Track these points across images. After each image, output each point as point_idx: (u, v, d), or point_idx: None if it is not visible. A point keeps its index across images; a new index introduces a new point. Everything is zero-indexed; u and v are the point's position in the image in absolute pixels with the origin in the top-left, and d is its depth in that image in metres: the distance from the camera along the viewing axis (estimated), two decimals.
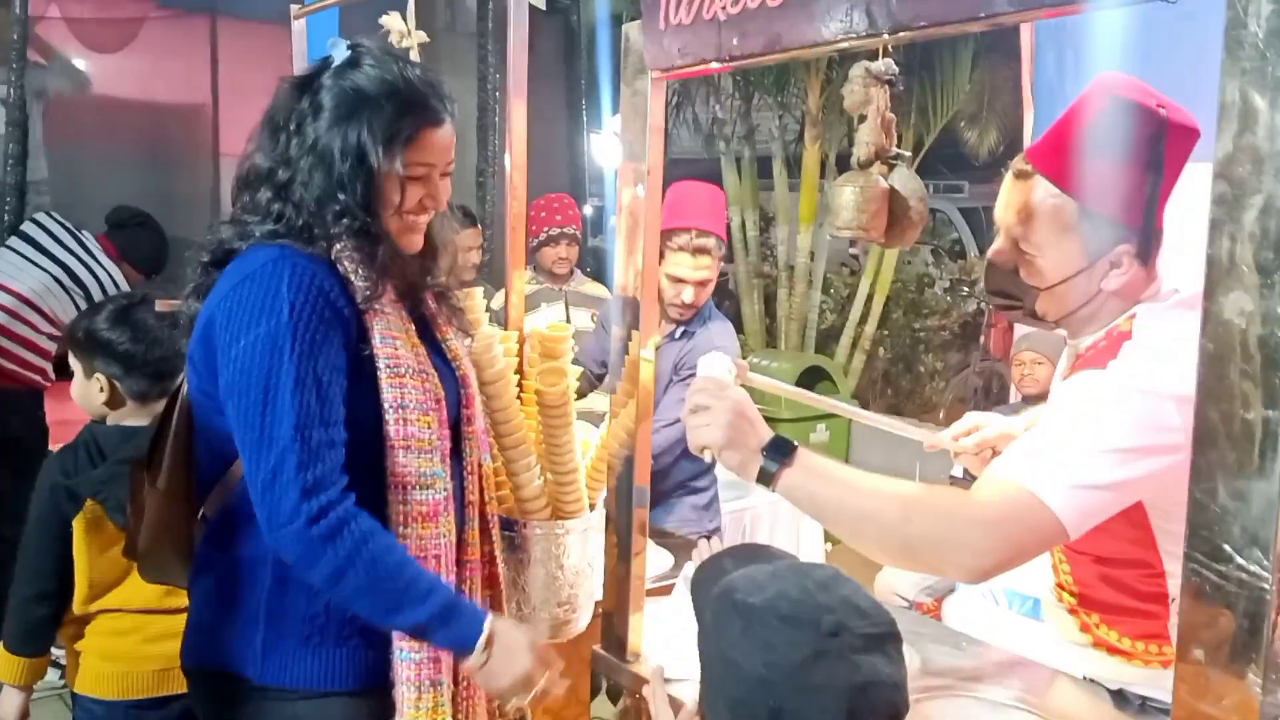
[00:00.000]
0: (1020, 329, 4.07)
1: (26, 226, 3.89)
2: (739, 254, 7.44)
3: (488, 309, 1.92)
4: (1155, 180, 1.49)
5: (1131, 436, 1.37)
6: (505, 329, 2.11)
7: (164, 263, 4.02)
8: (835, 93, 6.39)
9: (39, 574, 2.06)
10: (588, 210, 6.62)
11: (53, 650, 2.16)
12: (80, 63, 5.78)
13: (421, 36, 2.24)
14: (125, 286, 3.80)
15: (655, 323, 1.82)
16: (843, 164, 5.81)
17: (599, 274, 4.81)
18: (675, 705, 1.41)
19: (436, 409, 1.56)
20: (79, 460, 2.09)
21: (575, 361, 1.91)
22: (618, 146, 1.83)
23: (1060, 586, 1.75)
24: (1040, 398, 3.37)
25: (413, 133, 1.53)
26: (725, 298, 7.72)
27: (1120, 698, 1.67)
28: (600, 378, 3.15)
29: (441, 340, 1.69)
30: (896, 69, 1.41)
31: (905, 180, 1.47)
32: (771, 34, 1.47)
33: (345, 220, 1.51)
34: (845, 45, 1.41)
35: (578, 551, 1.91)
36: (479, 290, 1.91)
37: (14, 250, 3.77)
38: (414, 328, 1.61)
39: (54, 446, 2.79)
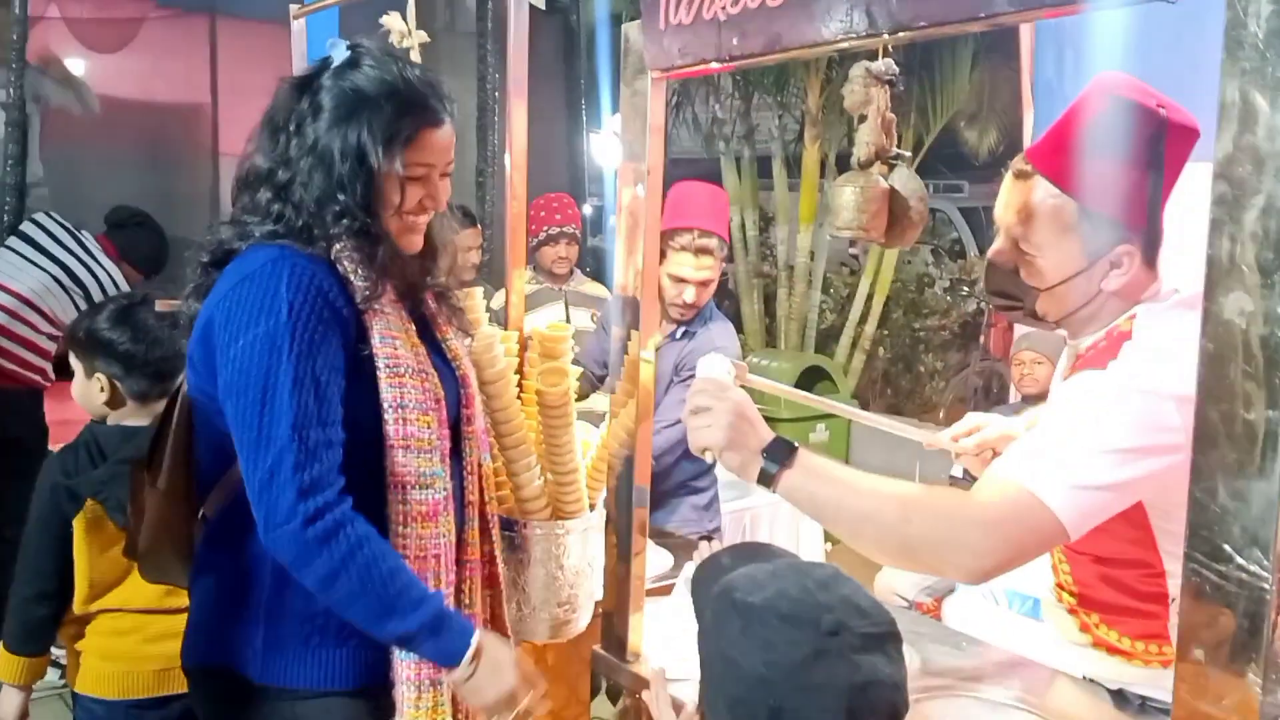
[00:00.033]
0: (1020, 329, 4.07)
1: (26, 226, 3.89)
2: (739, 254, 7.44)
3: (488, 309, 1.92)
4: (1156, 180, 1.49)
5: (1131, 437, 1.37)
6: (505, 329, 2.11)
7: (163, 262, 4.02)
8: (835, 92, 6.39)
9: (39, 574, 2.07)
10: (587, 210, 6.62)
11: (53, 650, 2.17)
12: (85, 73, 5.78)
13: (422, 36, 2.24)
14: (125, 286, 3.80)
15: (655, 323, 1.82)
16: (843, 164, 5.81)
17: (598, 274, 4.80)
18: (677, 706, 1.41)
19: (436, 409, 1.56)
20: (79, 460, 2.09)
21: (575, 362, 1.91)
22: (617, 146, 1.83)
23: (1060, 586, 1.75)
24: (1040, 397, 3.37)
25: (412, 133, 1.53)
26: (725, 297, 7.73)
27: (1120, 698, 1.67)
28: (602, 379, 3.15)
29: (441, 340, 1.69)
30: (897, 69, 1.41)
31: (905, 180, 1.47)
32: (771, 34, 1.47)
33: (345, 221, 1.51)
34: (845, 45, 1.40)
35: (578, 551, 1.91)
36: (479, 290, 1.91)
37: (13, 250, 3.77)
38: (414, 328, 1.61)
39: (54, 446, 2.79)
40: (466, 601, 1.63)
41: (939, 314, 7.98)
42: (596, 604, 1.96)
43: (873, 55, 1.45)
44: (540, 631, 1.92)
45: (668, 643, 1.81)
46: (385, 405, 1.51)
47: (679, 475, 2.93)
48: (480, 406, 1.73)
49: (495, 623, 1.74)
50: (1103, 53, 2.42)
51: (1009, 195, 1.63)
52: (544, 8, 2.26)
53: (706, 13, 1.55)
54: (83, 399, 2.16)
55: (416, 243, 1.63)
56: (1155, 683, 1.62)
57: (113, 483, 2.01)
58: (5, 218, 4.57)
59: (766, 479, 1.46)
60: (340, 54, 1.56)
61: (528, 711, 1.53)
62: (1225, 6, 0.96)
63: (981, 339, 6.80)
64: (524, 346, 1.98)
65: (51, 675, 2.37)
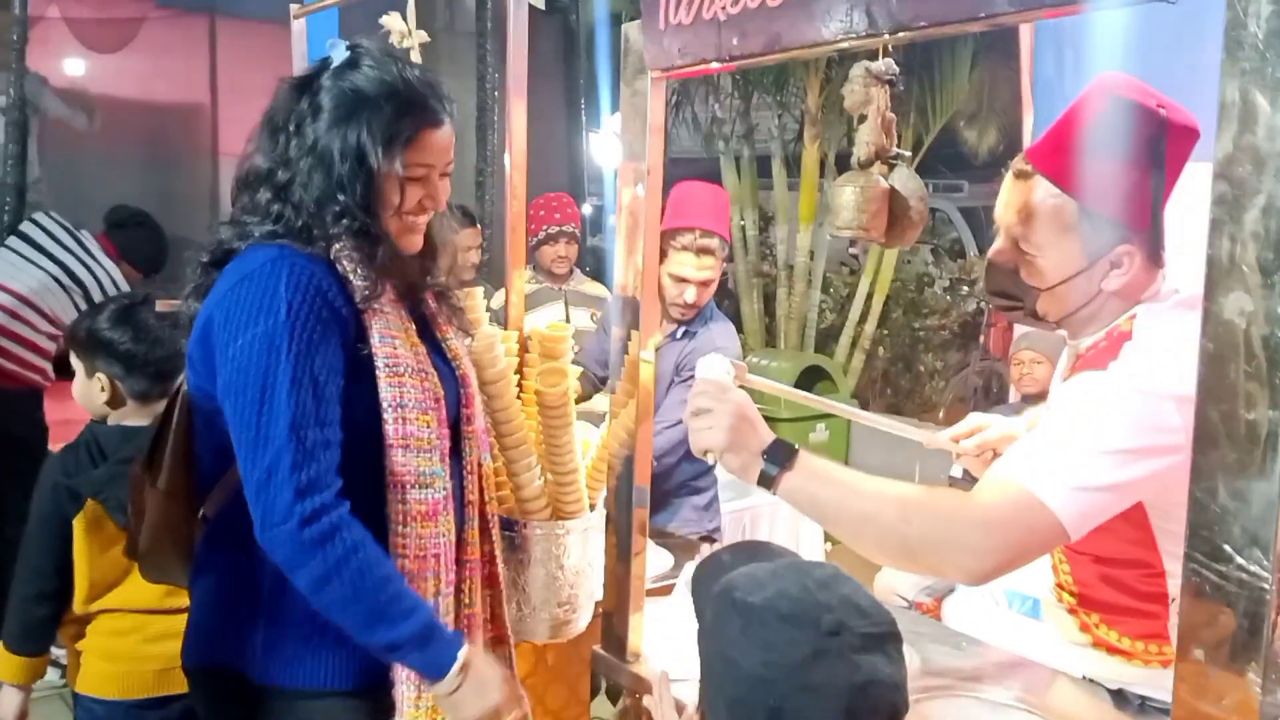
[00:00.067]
0: (1019, 328, 4.07)
1: (25, 226, 3.89)
2: (738, 253, 7.44)
3: (487, 309, 1.92)
4: (1156, 181, 1.49)
5: (1132, 437, 1.37)
6: (505, 329, 2.11)
7: (163, 262, 4.02)
8: (835, 92, 6.39)
9: (39, 573, 2.07)
10: (586, 210, 6.62)
11: (53, 650, 2.17)
12: (85, 73, 5.77)
13: (422, 36, 2.24)
14: (124, 285, 3.80)
15: (655, 323, 1.82)
16: (842, 163, 5.81)
17: (598, 273, 4.80)
18: (679, 708, 1.41)
19: (435, 408, 1.56)
20: (80, 460, 2.09)
21: (576, 362, 1.91)
22: (617, 146, 1.83)
23: (1060, 586, 1.75)
24: (1039, 397, 3.37)
25: (412, 133, 1.53)
26: (724, 297, 7.72)
27: (1120, 698, 1.67)
28: (603, 380, 3.15)
29: (441, 340, 1.69)
30: (897, 69, 1.41)
31: (905, 180, 1.47)
32: (771, 34, 1.47)
33: (345, 221, 1.51)
34: (845, 45, 1.41)
35: (578, 552, 1.91)
36: (479, 290, 1.91)
37: (13, 250, 3.77)
38: (414, 327, 1.61)
39: (54, 446, 2.79)
40: (466, 601, 1.63)
41: (939, 314, 7.98)
42: (596, 604, 1.96)
43: (873, 55, 1.45)
44: (540, 631, 1.92)
45: (668, 643, 1.81)
46: (384, 404, 1.51)
47: (680, 476, 2.93)
48: (480, 406, 1.72)
49: (495, 623, 1.74)
50: (1103, 53, 2.42)
51: (1009, 195, 1.63)
52: (544, 8, 2.26)
53: (706, 13, 1.55)
54: (83, 399, 2.16)
55: (416, 243, 1.63)
56: (1155, 683, 1.62)
57: (113, 483, 2.01)
58: (5, 218, 4.57)
59: (767, 481, 1.46)
60: (340, 54, 1.56)
61: None
62: (1225, 6, 0.96)
63: (981, 339, 6.80)
64: (524, 346, 1.98)
65: (51, 675, 2.37)
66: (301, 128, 1.53)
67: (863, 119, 1.46)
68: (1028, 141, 4.10)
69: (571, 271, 4.20)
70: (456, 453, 1.65)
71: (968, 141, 7.13)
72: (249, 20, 6.02)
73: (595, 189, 7.11)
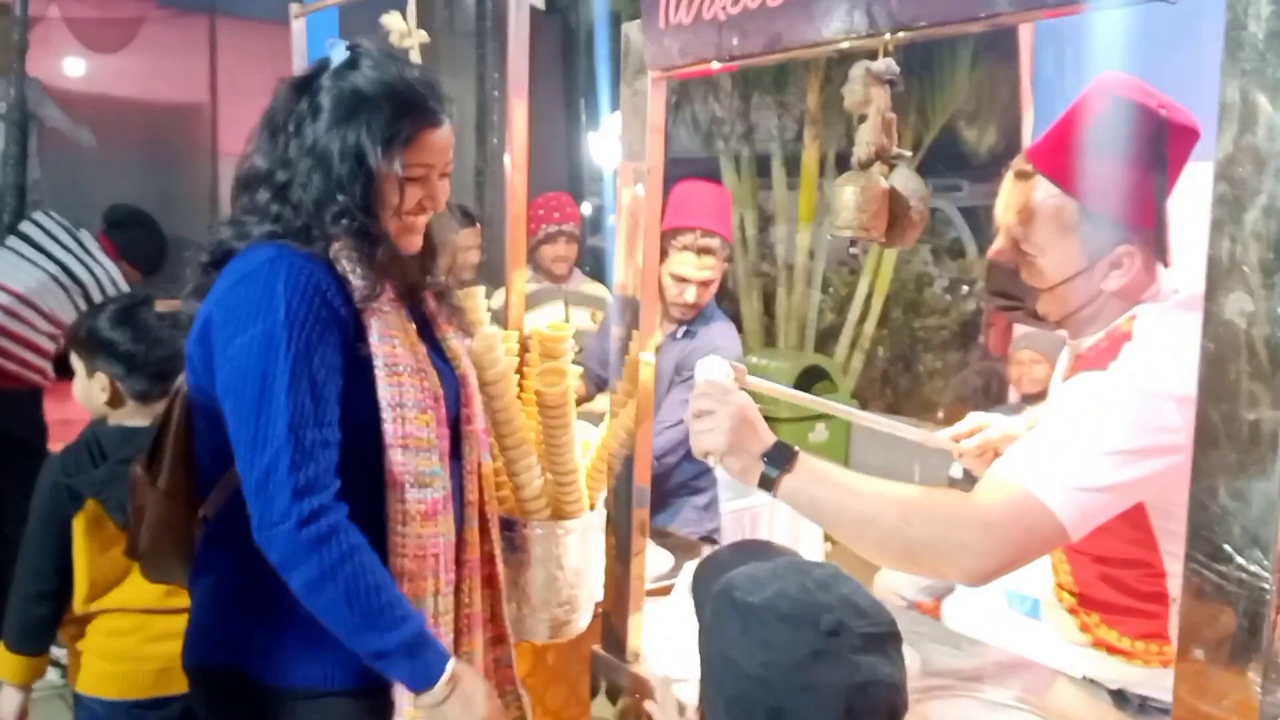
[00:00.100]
0: (1019, 328, 4.07)
1: (24, 226, 3.88)
2: (738, 253, 7.43)
3: (487, 309, 1.92)
4: (1156, 181, 1.49)
5: (1132, 438, 1.37)
6: (504, 329, 2.11)
7: (162, 261, 4.01)
8: (835, 92, 6.38)
9: (39, 573, 2.07)
10: (586, 209, 6.63)
11: (53, 650, 2.16)
12: (85, 73, 5.77)
13: (422, 36, 2.24)
14: (123, 284, 3.80)
15: (655, 323, 1.82)
16: (842, 163, 5.81)
17: (598, 273, 4.80)
18: (680, 708, 1.41)
19: (434, 407, 1.56)
20: (80, 460, 2.09)
21: (576, 362, 1.91)
22: (617, 146, 1.83)
23: (1060, 586, 1.75)
24: (1039, 397, 3.38)
25: (411, 134, 1.53)
26: (724, 297, 7.71)
27: (1120, 698, 1.67)
28: (604, 380, 3.15)
29: (441, 339, 1.69)
30: (897, 69, 1.41)
31: (906, 180, 1.47)
32: (771, 34, 1.47)
33: (344, 221, 1.51)
34: (845, 45, 1.41)
35: (578, 552, 1.91)
36: (480, 290, 1.91)
37: (12, 250, 3.76)
38: (414, 327, 1.61)
39: (54, 446, 2.79)
40: (466, 601, 1.63)
41: (938, 313, 7.98)
42: (596, 604, 1.96)
43: (873, 55, 1.45)
44: (540, 631, 1.92)
45: (668, 643, 1.81)
46: (383, 404, 1.51)
47: (680, 476, 2.93)
48: (480, 406, 1.72)
49: (495, 622, 1.74)
50: (1103, 52, 2.42)
51: (1009, 195, 1.63)
52: (544, 8, 2.26)
53: (706, 13, 1.55)
54: (84, 399, 2.17)
55: (416, 243, 1.63)
56: (1155, 683, 1.62)
57: (113, 482, 2.01)
58: (5, 218, 4.57)
59: (767, 483, 1.46)
60: (339, 55, 1.55)
61: None
62: (1225, 7, 0.96)
63: (981, 339, 6.80)
64: (524, 346, 1.98)
65: (52, 675, 2.37)
66: (301, 128, 1.53)
67: (863, 119, 1.45)
68: (1028, 141, 4.10)
69: (571, 272, 4.20)
70: (456, 453, 1.65)
71: (967, 141, 7.13)
72: (249, 20, 6.03)
73: (594, 189, 7.11)
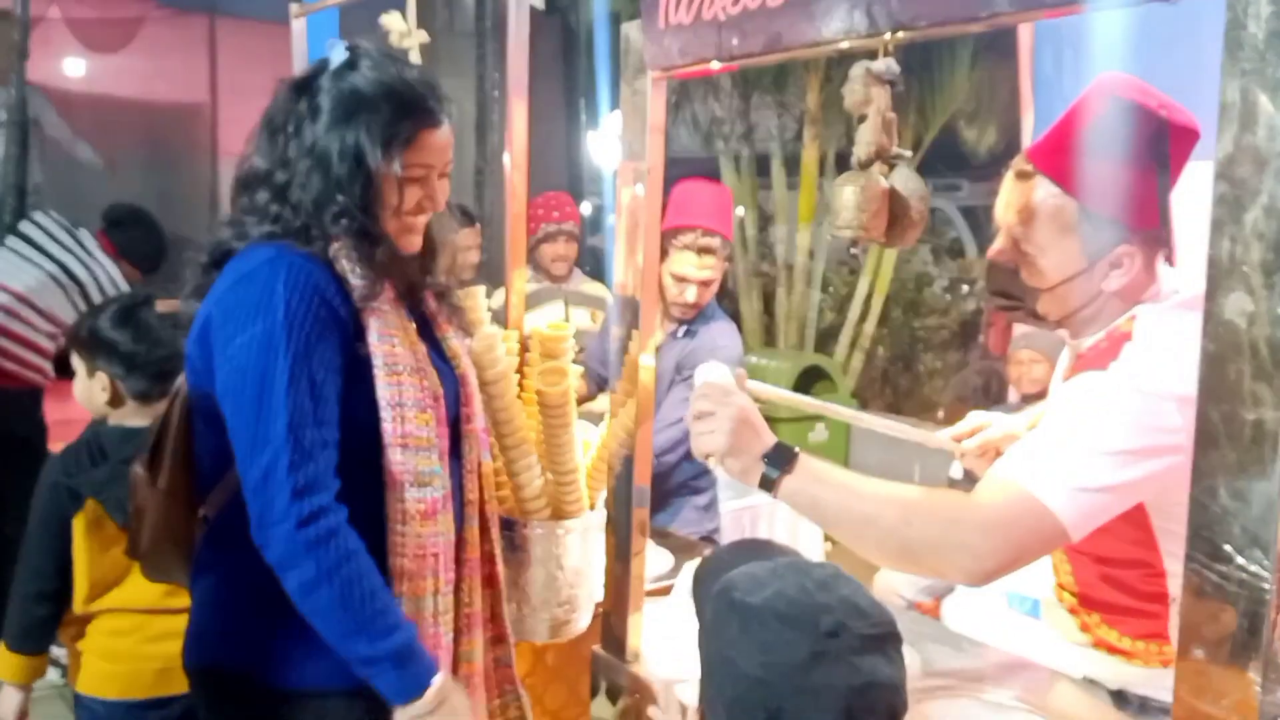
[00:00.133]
0: (1019, 328, 4.07)
1: (23, 226, 3.88)
2: (737, 252, 7.43)
3: (487, 308, 1.92)
4: (1156, 181, 1.49)
5: (1132, 438, 1.37)
6: (504, 328, 2.11)
7: (162, 260, 4.01)
8: (835, 91, 6.38)
9: (40, 573, 2.07)
10: (586, 209, 6.62)
11: (53, 650, 2.16)
12: (84, 73, 5.76)
13: (422, 36, 2.24)
14: (123, 283, 3.80)
15: (655, 323, 1.82)
16: (842, 163, 5.81)
17: (598, 273, 4.80)
18: (681, 709, 1.41)
19: (434, 406, 1.56)
20: (80, 460, 2.09)
21: (577, 362, 1.91)
22: (617, 146, 1.83)
23: (1061, 586, 1.75)
24: (1038, 397, 3.37)
25: (411, 134, 1.53)
26: (724, 296, 7.71)
27: (1120, 698, 1.67)
28: (605, 379, 3.15)
29: (441, 339, 1.69)
30: (898, 69, 1.41)
31: (906, 180, 1.47)
32: (771, 34, 1.47)
33: (343, 221, 1.51)
34: (845, 45, 1.41)
35: (578, 551, 1.91)
36: (480, 290, 1.91)
37: (11, 250, 3.76)
38: (414, 327, 1.61)
39: (54, 446, 2.79)
40: (466, 600, 1.63)
41: (938, 313, 7.98)
42: (596, 604, 1.96)
43: (873, 55, 1.45)
44: (540, 631, 1.92)
45: (668, 643, 1.81)
46: (382, 403, 1.51)
47: (680, 476, 2.93)
48: (480, 405, 1.72)
49: (495, 622, 1.74)
50: (1102, 52, 2.42)
51: (1010, 195, 1.63)
52: (544, 8, 2.26)
53: (706, 13, 1.55)
54: (84, 398, 2.17)
55: (415, 243, 1.63)
56: (1155, 683, 1.62)
57: (113, 483, 2.01)
58: (5, 218, 4.57)
59: (768, 484, 1.46)
60: (338, 55, 1.55)
61: None
62: (1225, 7, 0.96)
63: (981, 338, 6.80)
64: (524, 346, 1.99)
65: (52, 675, 2.37)
66: (300, 129, 1.53)
67: (863, 119, 1.45)
68: (1027, 141, 4.10)
69: (571, 272, 4.20)
70: (456, 452, 1.65)
71: (967, 141, 7.13)
72: (249, 20, 6.03)
73: (595, 189, 7.11)
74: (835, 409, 2.00)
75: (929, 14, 1.28)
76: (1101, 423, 1.40)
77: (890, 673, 1.08)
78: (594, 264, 6.51)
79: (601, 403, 3.09)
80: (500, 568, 1.75)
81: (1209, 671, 1.00)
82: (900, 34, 1.33)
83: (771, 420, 1.53)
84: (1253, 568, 0.96)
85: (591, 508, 1.94)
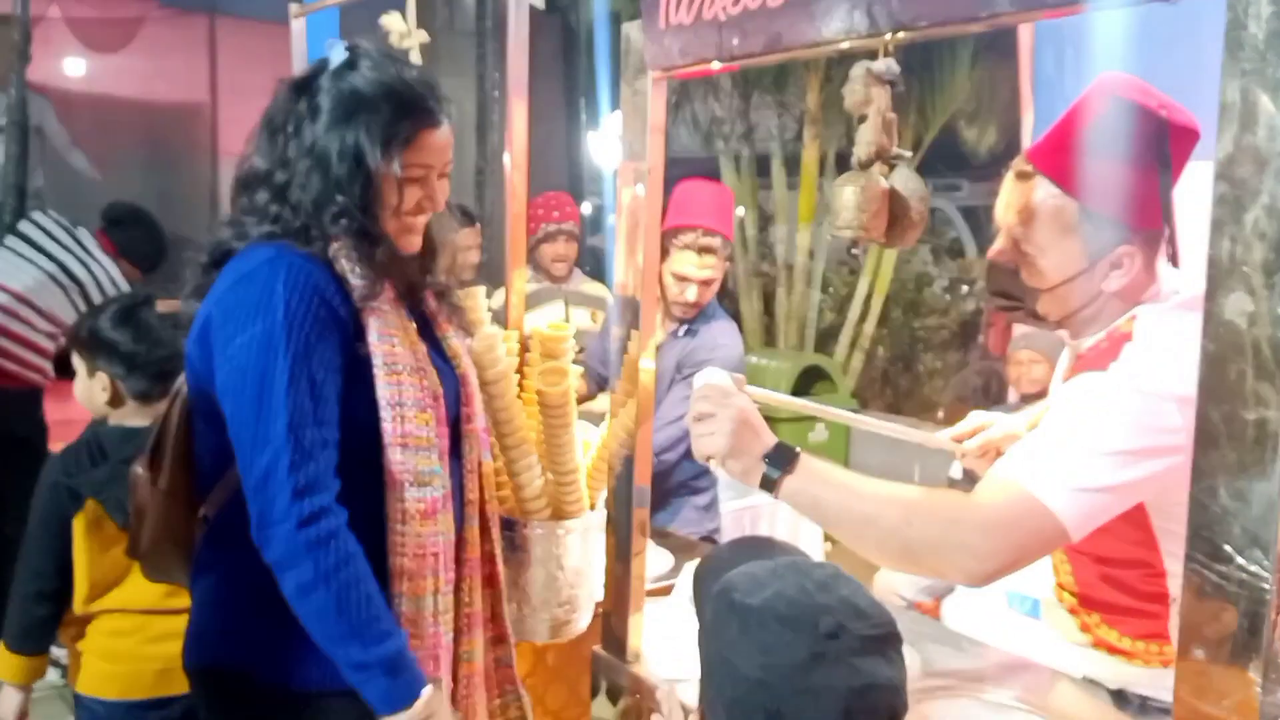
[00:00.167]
0: (1018, 328, 4.07)
1: (22, 225, 3.87)
2: (737, 252, 7.43)
3: (488, 309, 1.92)
4: (1157, 181, 1.49)
5: (1133, 438, 1.37)
6: (505, 328, 2.11)
7: (161, 258, 4.00)
8: (835, 91, 6.38)
9: (39, 573, 2.07)
10: (586, 209, 6.62)
11: (53, 650, 2.16)
12: (85, 73, 5.76)
13: (422, 36, 2.24)
14: (122, 282, 3.79)
15: (655, 323, 1.82)
16: (842, 163, 5.80)
17: (598, 273, 4.80)
18: (684, 710, 1.41)
19: (434, 406, 1.56)
20: (80, 460, 2.09)
21: (578, 361, 1.91)
22: (617, 146, 1.84)
23: (1061, 586, 1.75)
24: (1038, 397, 3.37)
25: (410, 134, 1.53)
26: (724, 296, 7.70)
27: (1120, 698, 1.67)
28: (605, 379, 3.15)
29: (441, 338, 1.69)
30: (898, 69, 1.41)
31: (906, 180, 1.47)
32: (772, 34, 1.47)
33: (343, 221, 1.51)
34: (846, 45, 1.41)
35: (578, 552, 1.91)
36: (480, 290, 1.91)
37: (10, 249, 3.76)
38: (414, 326, 1.61)
39: (54, 446, 2.79)
40: (466, 600, 1.63)
41: (938, 313, 7.98)
42: (597, 604, 1.96)
43: (873, 55, 1.45)
44: (540, 632, 1.92)
45: (668, 643, 1.81)
46: (382, 402, 1.51)
47: (680, 475, 2.93)
48: (480, 405, 1.72)
49: (495, 621, 1.74)
50: (1103, 52, 2.42)
51: (1010, 195, 1.63)
52: (544, 7, 2.26)
53: (707, 13, 1.55)
54: (85, 398, 2.17)
55: (415, 243, 1.63)
56: (1155, 683, 1.62)
57: (113, 483, 2.01)
58: (5, 218, 4.56)
59: (769, 485, 1.46)
60: (338, 55, 1.55)
61: None
62: (1225, 7, 0.96)
63: (980, 338, 6.80)
64: (525, 346, 1.99)
65: (52, 675, 2.37)
66: (300, 129, 1.53)
67: (863, 119, 1.45)
68: (1027, 141, 4.10)
69: (571, 272, 4.19)
70: (456, 451, 1.65)
71: (967, 141, 7.12)
72: (249, 20, 6.03)
73: (595, 189, 7.11)
74: (835, 412, 2.00)
75: (929, 14, 1.28)
76: (1102, 423, 1.40)
77: (890, 674, 1.08)
78: (594, 264, 6.51)
79: (602, 403, 3.09)
80: (501, 568, 1.75)
81: (1209, 672, 1.00)
82: (900, 34, 1.33)
83: (771, 420, 1.53)
84: (1253, 568, 0.96)
85: (592, 508, 1.94)
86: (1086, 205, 1.54)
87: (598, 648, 1.88)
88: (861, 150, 1.45)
